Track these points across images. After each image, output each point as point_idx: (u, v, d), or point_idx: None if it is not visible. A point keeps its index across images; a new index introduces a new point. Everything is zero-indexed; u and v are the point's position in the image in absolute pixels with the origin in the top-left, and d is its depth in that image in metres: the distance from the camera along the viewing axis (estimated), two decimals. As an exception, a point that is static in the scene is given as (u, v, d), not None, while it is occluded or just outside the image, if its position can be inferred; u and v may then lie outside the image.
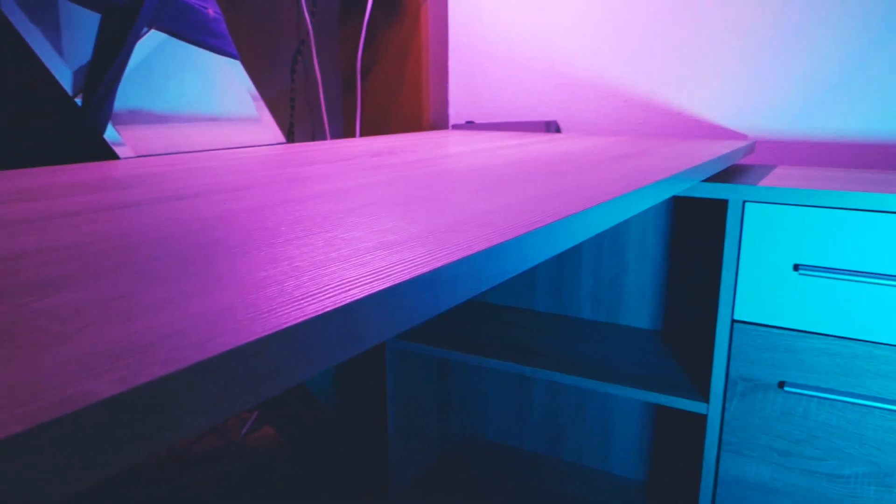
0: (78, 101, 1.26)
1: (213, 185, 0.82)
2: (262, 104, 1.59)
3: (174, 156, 1.29)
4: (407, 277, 0.40)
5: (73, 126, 1.26)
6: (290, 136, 1.90)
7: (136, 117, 1.37)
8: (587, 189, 0.75)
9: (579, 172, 0.92)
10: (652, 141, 1.54)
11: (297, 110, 1.93)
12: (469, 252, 0.46)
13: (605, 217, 0.67)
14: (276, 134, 1.58)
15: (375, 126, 2.00)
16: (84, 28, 1.33)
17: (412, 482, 1.81)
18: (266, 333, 0.31)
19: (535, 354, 1.56)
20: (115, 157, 1.27)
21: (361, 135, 2.01)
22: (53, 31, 1.28)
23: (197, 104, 1.47)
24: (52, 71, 1.25)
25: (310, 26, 1.88)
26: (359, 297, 0.36)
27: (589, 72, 1.87)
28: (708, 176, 1.12)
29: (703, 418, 1.64)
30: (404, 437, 1.80)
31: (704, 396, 1.38)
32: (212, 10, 1.49)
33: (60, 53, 1.28)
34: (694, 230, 1.65)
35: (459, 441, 2.01)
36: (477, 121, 1.99)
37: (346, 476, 1.91)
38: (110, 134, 1.28)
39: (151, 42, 1.40)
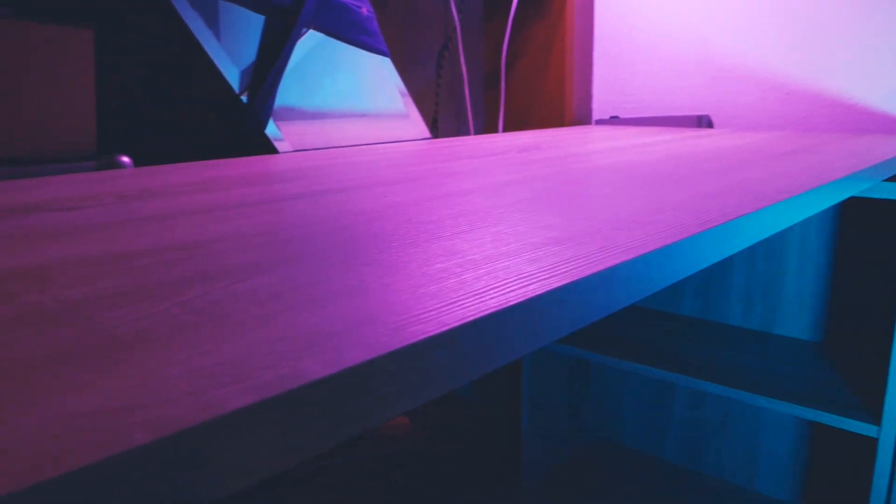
0: (243, 98, 1.34)
1: (371, 178, 0.85)
2: (409, 100, 1.63)
3: (328, 150, 1.34)
4: (583, 274, 0.39)
5: (239, 122, 1.34)
6: (434, 132, 1.94)
7: (294, 114, 1.44)
8: (752, 187, 0.71)
9: (741, 170, 0.87)
10: (818, 136, 1.44)
11: (441, 105, 1.97)
12: (644, 251, 0.44)
13: (780, 218, 0.63)
14: (423, 129, 1.61)
15: (517, 122, 2.00)
16: (249, 29, 1.41)
17: (543, 479, 1.80)
18: (455, 325, 0.31)
19: (677, 360, 1.51)
20: (274, 151, 1.34)
21: (504, 130, 2.01)
22: (222, 33, 1.37)
23: (349, 101, 1.53)
24: (222, 70, 1.34)
25: (457, 22, 1.91)
26: (538, 292, 0.36)
27: (745, 62, 1.78)
28: (892, 175, 1.03)
29: (872, 442, 1.52)
30: (537, 434, 1.79)
31: (876, 418, 1.27)
32: (365, 9, 1.54)
33: (229, 53, 1.37)
34: (866, 233, 1.53)
35: (592, 444, 1.97)
36: (622, 116, 1.95)
37: (477, 467, 1.93)
38: (271, 129, 1.36)
39: (309, 42, 1.47)
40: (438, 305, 0.34)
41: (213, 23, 1.37)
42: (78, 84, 1.18)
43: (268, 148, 1.35)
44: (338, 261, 0.43)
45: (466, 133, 2.05)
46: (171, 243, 0.50)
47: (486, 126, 2.08)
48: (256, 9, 1.41)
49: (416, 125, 1.60)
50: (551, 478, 1.82)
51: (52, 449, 0.21)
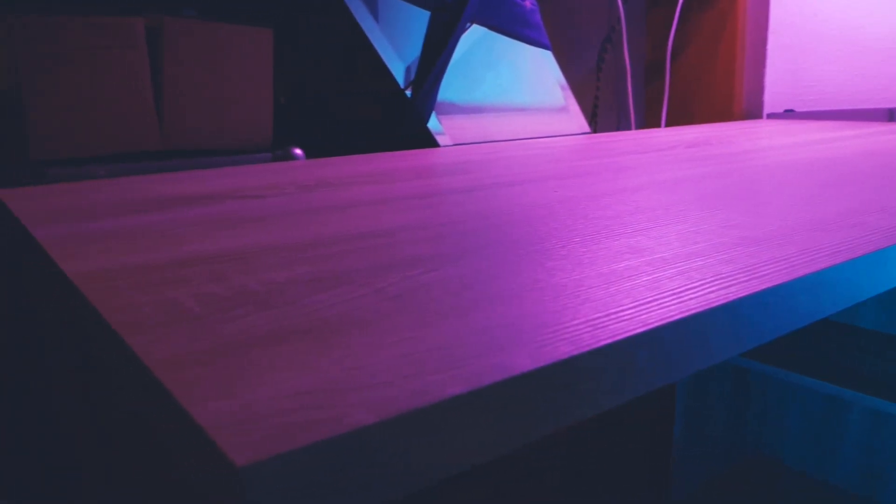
0: (407, 93, 1.38)
1: (538, 172, 0.84)
2: (569, 94, 1.61)
3: (488, 144, 1.35)
4: (787, 278, 0.36)
5: (402, 116, 1.38)
6: (593, 126, 1.91)
7: (455, 108, 1.47)
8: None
9: (949, 169, 0.78)
10: None
11: (601, 98, 1.93)
12: (852, 255, 0.41)
13: None
14: (582, 123, 1.58)
15: (680, 115, 1.92)
16: (414, 25, 1.45)
17: (694, 493, 1.73)
18: (657, 324, 0.30)
19: (854, 376, 1.39)
20: (435, 145, 1.37)
21: (666, 125, 1.94)
22: (390, 29, 1.41)
23: (509, 95, 1.53)
24: (388, 65, 1.38)
25: (622, 12, 1.86)
26: (740, 294, 0.34)
27: (945, 52, 1.60)
28: None
29: None
30: (690, 443, 1.72)
31: None
32: (528, 2, 1.54)
33: (395, 49, 1.41)
34: None
35: (751, 459, 1.86)
36: (797, 109, 1.82)
37: (625, 477, 1.88)
38: (433, 124, 1.39)
39: (472, 36, 1.48)
40: (634, 304, 0.33)
41: (381, 19, 1.41)
42: (257, 80, 1.26)
43: (429, 142, 1.38)
44: (521, 254, 0.43)
45: (627, 127, 2.00)
46: (357, 232, 0.52)
47: (647, 120, 2.02)
48: (423, 4, 1.44)
49: (576, 119, 1.58)
50: (704, 493, 1.74)
51: (287, 422, 0.23)
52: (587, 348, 0.27)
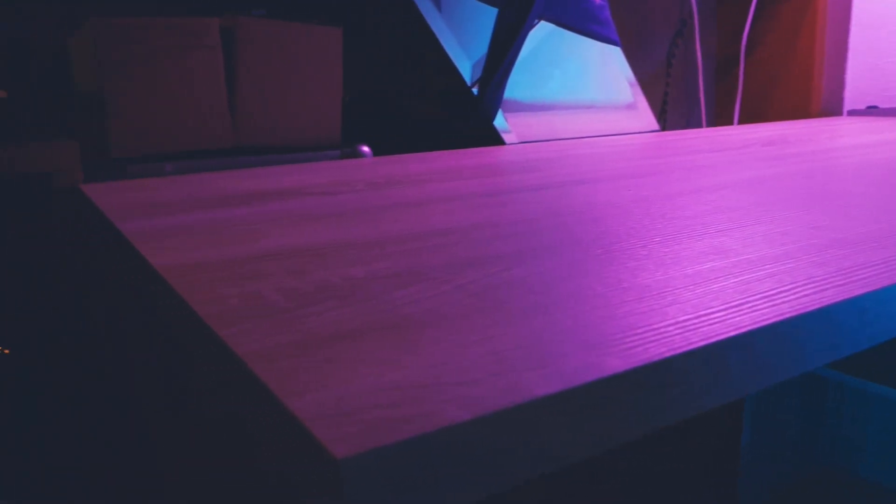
0: (474, 90, 1.38)
1: (607, 171, 0.83)
2: (638, 91, 1.58)
3: (555, 142, 1.34)
4: (886, 283, 0.35)
5: (469, 114, 1.38)
6: (662, 123, 1.87)
7: (522, 106, 1.46)
8: None
9: None
10: None
11: (670, 95, 1.89)
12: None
13: None
14: (651, 121, 1.55)
15: (753, 113, 1.87)
16: (482, 21, 1.44)
17: (763, 503, 1.68)
18: (748, 328, 0.29)
19: (938, 382, 1.32)
20: (501, 142, 1.36)
21: (738, 122, 1.89)
22: (457, 26, 1.42)
23: (576, 92, 1.51)
24: (455, 63, 1.38)
25: (694, 6, 1.81)
26: (836, 299, 0.33)
27: None
28: None
29: None
30: (759, 452, 1.67)
31: None
32: (598, -1, 1.52)
33: (462, 46, 1.41)
34: None
35: (825, 471, 1.80)
36: (881, 105, 1.74)
37: (691, 479, 1.84)
38: (499, 121, 1.38)
39: (540, 33, 1.47)
40: (724, 306, 0.32)
41: (449, 17, 1.42)
42: (327, 79, 1.28)
43: (495, 139, 1.38)
44: (600, 253, 0.42)
45: (697, 125, 1.95)
46: (431, 229, 0.52)
47: (718, 118, 1.97)
48: (490, 1, 1.44)
49: (644, 116, 1.55)
50: (773, 503, 1.68)
51: (381, 417, 0.23)
52: (678, 350, 0.27)
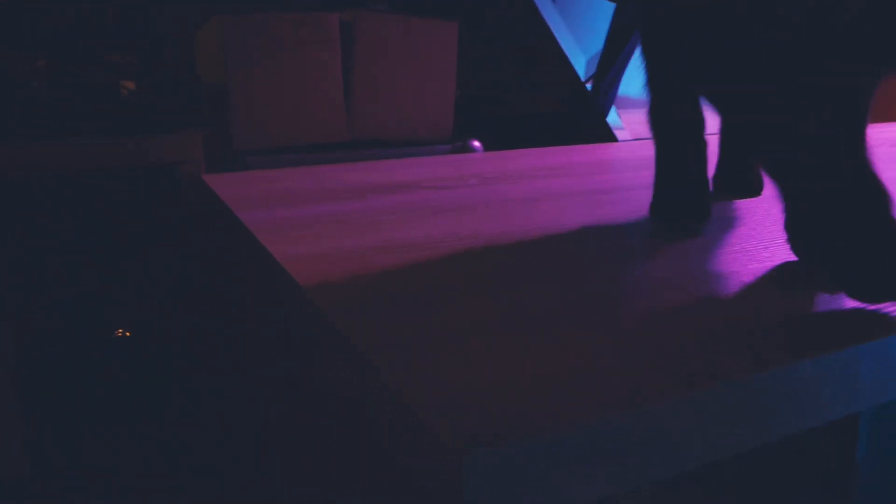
0: (588, 86, 1.36)
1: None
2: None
3: (670, 139, 1.30)
4: None
5: (582, 110, 1.36)
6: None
7: (636, 102, 1.42)
8: None
9: None
10: None
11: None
12: None
13: None
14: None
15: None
16: (599, 17, 1.42)
17: (889, 524, 1.57)
18: (881, 336, 0.28)
19: None
20: (614, 139, 1.34)
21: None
22: (574, 21, 1.40)
23: (694, 88, 1.46)
24: (570, 58, 1.37)
25: None
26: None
27: None
28: None
29: None
30: (876, 470, 1.56)
31: None
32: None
33: (578, 42, 1.39)
34: None
35: (958, 492, 1.66)
36: None
37: (804, 496, 1.74)
38: (612, 118, 1.35)
39: (657, 27, 1.43)
40: (856, 312, 0.30)
41: (565, 12, 1.40)
42: (441, 73, 1.29)
43: (607, 136, 1.35)
44: (721, 253, 0.41)
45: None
46: (547, 225, 0.52)
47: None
48: (610, -4, 1.41)
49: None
50: (897, 522, 1.57)
51: (503, 413, 0.23)
52: (806, 357, 0.25)
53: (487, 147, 1.36)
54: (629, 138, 1.38)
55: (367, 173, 0.87)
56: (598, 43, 1.40)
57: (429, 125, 1.31)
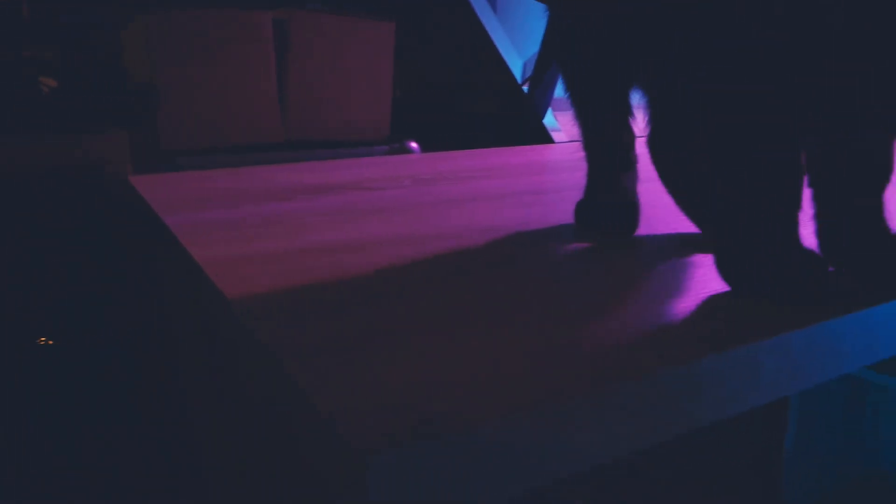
0: (524, 89, 1.37)
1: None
2: (690, 90, 1.55)
3: (604, 141, 1.32)
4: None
5: (519, 112, 1.38)
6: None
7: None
8: None
9: None
10: None
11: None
12: None
13: None
14: (703, 121, 1.52)
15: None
16: (536, 19, 1.44)
17: (813, 510, 1.63)
18: (785, 331, 0.29)
19: None
20: (550, 141, 1.36)
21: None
22: (509, 24, 1.41)
23: (627, 90, 1.49)
24: (506, 60, 1.38)
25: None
26: (875, 305, 0.32)
27: None
28: None
29: None
30: (803, 456, 1.63)
31: None
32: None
33: (514, 44, 1.41)
34: None
35: (871, 474, 1.74)
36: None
37: (734, 483, 1.80)
38: (548, 119, 1.37)
39: (591, 31, 1.46)
40: (760, 309, 0.32)
41: (501, 14, 1.42)
42: (378, 73, 1.28)
43: (544, 137, 1.37)
44: (654, 252, 0.42)
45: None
46: (477, 226, 0.52)
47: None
48: None
49: (697, 116, 1.52)
50: (820, 509, 1.64)
51: (409, 414, 0.23)
52: (713, 352, 0.26)
53: (425, 148, 1.36)
54: (566, 140, 1.40)
55: (300, 174, 0.86)
56: (534, 45, 1.42)
57: (365, 126, 1.30)
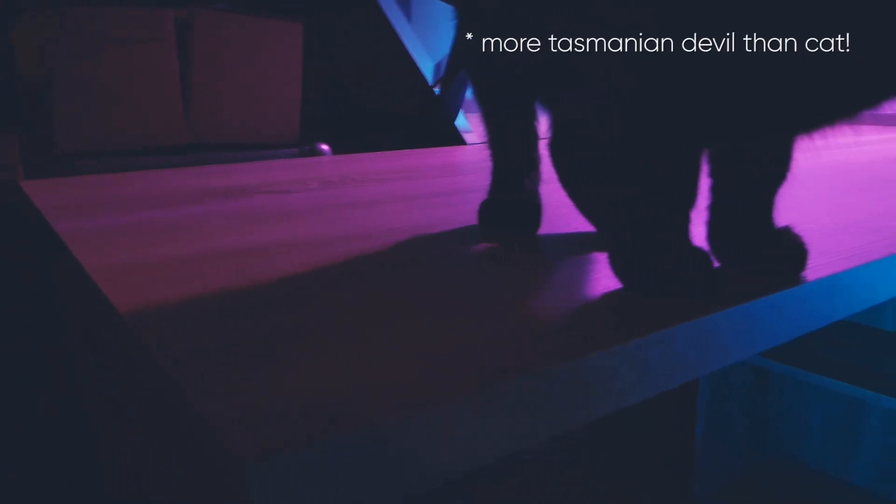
0: (436, 90, 1.38)
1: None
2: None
3: (513, 142, 1.34)
4: (803, 282, 0.36)
5: (431, 114, 1.38)
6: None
7: (481, 105, 1.46)
8: None
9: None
10: None
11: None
12: (869, 259, 0.41)
13: None
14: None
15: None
16: (446, 23, 1.45)
17: (717, 494, 1.71)
18: (671, 325, 0.30)
19: (874, 377, 1.37)
20: (462, 142, 1.37)
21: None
22: (420, 26, 1.42)
23: (535, 93, 1.52)
24: (417, 62, 1.38)
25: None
26: (756, 299, 0.34)
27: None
28: None
29: None
30: (712, 445, 1.70)
31: None
32: None
33: (425, 46, 1.41)
34: None
35: (772, 460, 1.84)
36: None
37: (647, 478, 1.87)
38: (460, 121, 1.39)
39: (500, 34, 1.48)
40: (648, 305, 0.33)
41: (411, 16, 1.42)
42: (286, 75, 1.27)
43: (456, 139, 1.38)
44: (552, 254, 0.43)
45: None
46: (381, 229, 0.52)
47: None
48: (453, 1, 1.44)
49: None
50: (726, 494, 1.72)
51: (299, 419, 0.23)
52: (601, 349, 0.27)
53: (336, 150, 1.35)
54: (478, 141, 1.42)
55: (205, 178, 0.84)
56: (446, 47, 1.43)
57: (274, 128, 1.28)
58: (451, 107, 1.39)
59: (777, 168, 0.39)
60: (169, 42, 1.08)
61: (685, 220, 0.35)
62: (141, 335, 0.30)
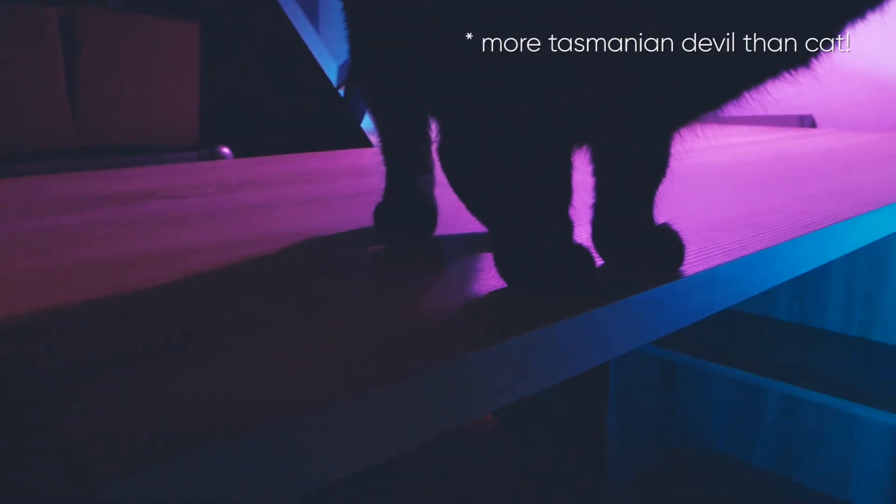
0: (340, 92, 1.37)
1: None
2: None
3: (419, 144, 1.35)
4: (682, 276, 0.38)
5: (336, 116, 1.37)
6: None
7: (386, 107, 1.46)
8: (859, 191, 0.68)
9: (846, 172, 0.83)
10: (933, 137, 1.35)
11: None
12: (744, 252, 0.43)
13: (884, 224, 0.60)
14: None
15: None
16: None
17: (629, 483, 1.77)
18: (552, 323, 0.31)
19: (769, 365, 1.45)
20: (369, 144, 1.36)
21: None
22: (323, 28, 1.40)
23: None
24: (321, 64, 1.37)
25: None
26: (637, 294, 0.35)
27: (853, 60, 1.68)
28: None
29: (977, 458, 1.43)
30: (624, 437, 1.76)
31: (984, 434, 1.19)
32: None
33: (328, 48, 1.40)
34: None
35: (680, 448, 1.92)
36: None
37: (561, 470, 1.91)
38: (366, 123, 1.38)
39: (403, 36, 1.48)
40: (531, 303, 0.34)
41: (314, 17, 1.40)
42: (183, 76, 1.23)
43: (362, 141, 1.38)
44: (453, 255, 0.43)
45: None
46: (276, 233, 0.51)
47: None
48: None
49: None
50: (638, 482, 1.78)
51: (162, 435, 0.22)
52: (482, 347, 0.28)
53: (239, 154, 1.32)
54: (381, 143, 1.42)
55: (93, 183, 0.80)
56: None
57: (171, 131, 1.24)
58: (357, 108, 1.38)
59: (656, 167, 0.41)
60: (53, 41, 1.03)
61: (564, 219, 0.36)
62: (2, 351, 0.29)
